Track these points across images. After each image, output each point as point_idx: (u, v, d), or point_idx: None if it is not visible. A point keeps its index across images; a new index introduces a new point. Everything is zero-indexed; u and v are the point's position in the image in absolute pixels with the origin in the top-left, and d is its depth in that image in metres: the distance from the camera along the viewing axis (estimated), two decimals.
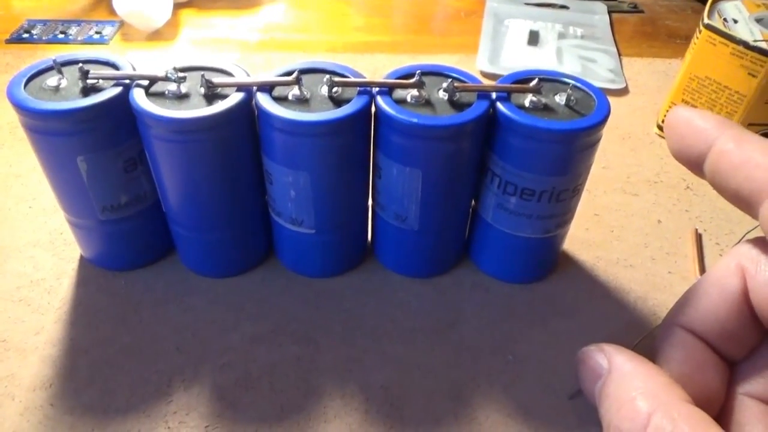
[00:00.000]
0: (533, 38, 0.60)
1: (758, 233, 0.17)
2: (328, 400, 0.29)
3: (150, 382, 0.30)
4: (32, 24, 0.60)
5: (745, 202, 0.17)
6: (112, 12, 0.60)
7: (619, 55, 0.58)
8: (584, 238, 0.39)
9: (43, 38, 0.58)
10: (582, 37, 0.60)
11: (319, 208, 0.31)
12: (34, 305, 0.33)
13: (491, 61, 0.56)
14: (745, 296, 0.18)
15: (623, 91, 0.54)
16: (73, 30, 0.60)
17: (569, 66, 0.56)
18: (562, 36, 0.60)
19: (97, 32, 0.59)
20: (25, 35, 0.59)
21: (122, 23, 0.60)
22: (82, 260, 0.36)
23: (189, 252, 0.35)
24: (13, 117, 0.29)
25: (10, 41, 0.58)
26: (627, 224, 0.40)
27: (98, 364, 0.31)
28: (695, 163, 0.18)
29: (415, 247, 0.34)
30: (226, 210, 0.32)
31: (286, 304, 0.34)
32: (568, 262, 0.37)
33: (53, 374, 0.30)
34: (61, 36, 0.59)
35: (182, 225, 0.33)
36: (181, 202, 0.32)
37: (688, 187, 0.43)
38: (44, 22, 0.61)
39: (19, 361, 0.31)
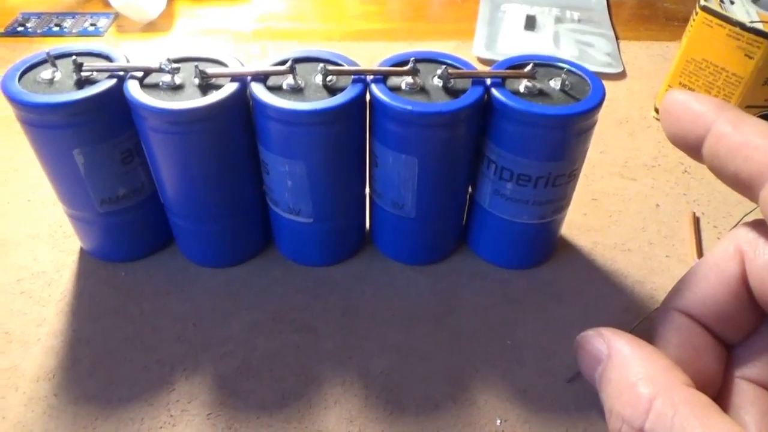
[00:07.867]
0: (530, 23, 0.59)
1: (756, 216, 0.17)
2: (328, 387, 0.30)
3: (152, 372, 0.30)
4: (26, 17, 0.60)
5: (744, 186, 0.16)
6: (107, 4, 0.59)
7: (617, 38, 0.58)
8: (582, 223, 0.39)
9: (38, 31, 0.58)
10: (579, 20, 0.60)
11: (316, 197, 0.31)
12: (35, 297, 0.34)
13: (488, 47, 0.56)
14: (744, 280, 0.18)
15: (620, 75, 0.53)
16: (67, 22, 0.59)
17: (566, 50, 0.55)
18: (559, 20, 0.60)
19: (91, 24, 0.59)
20: (20, 29, 0.58)
21: (117, 15, 0.60)
22: (82, 252, 0.36)
23: (188, 242, 0.35)
24: (9, 111, 0.29)
25: (4, 35, 0.57)
26: (625, 208, 0.40)
27: (100, 354, 0.31)
28: (693, 148, 0.18)
29: (413, 234, 0.34)
30: (224, 200, 0.32)
31: (285, 292, 0.34)
32: (566, 247, 0.37)
33: (56, 365, 0.30)
34: (55, 29, 0.58)
35: (180, 216, 0.33)
36: (178, 193, 0.32)
37: (685, 171, 0.43)
38: (38, 15, 0.61)
39: (22, 352, 0.31)
